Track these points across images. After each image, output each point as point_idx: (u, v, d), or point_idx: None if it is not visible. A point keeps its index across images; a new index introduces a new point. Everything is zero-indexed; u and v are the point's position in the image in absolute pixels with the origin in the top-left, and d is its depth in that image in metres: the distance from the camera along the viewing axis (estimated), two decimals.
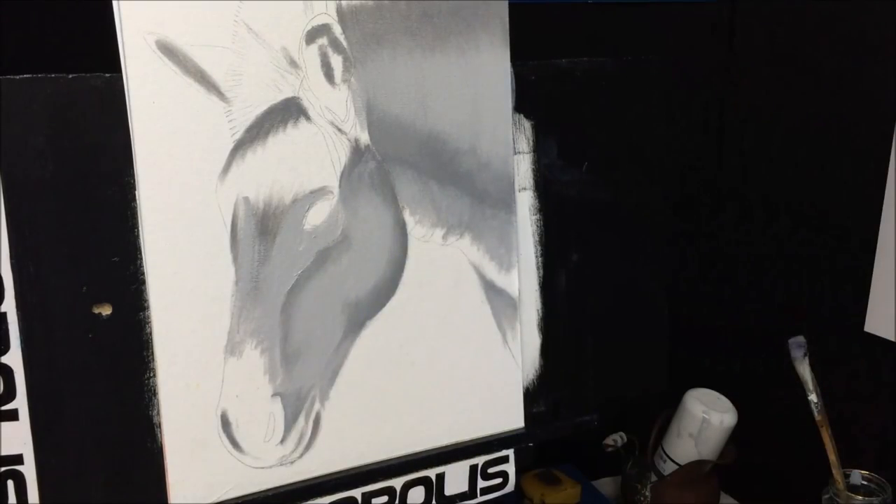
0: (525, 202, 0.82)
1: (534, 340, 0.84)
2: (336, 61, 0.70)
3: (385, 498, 0.77)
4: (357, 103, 0.71)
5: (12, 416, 0.63)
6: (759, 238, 1.07)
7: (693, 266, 1.13)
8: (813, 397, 0.84)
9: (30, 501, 0.64)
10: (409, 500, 0.78)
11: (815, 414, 0.85)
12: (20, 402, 0.63)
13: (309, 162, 0.70)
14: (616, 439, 1.02)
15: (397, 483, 0.77)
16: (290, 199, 0.70)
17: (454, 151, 0.77)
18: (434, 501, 0.80)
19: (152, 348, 0.66)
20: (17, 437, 0.63)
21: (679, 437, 0.97)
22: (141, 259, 0.65)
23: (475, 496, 0.82)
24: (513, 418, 0.83)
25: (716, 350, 1.13)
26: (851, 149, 0.93)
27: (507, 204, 0.80)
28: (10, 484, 0.64)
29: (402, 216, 0.75)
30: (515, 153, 0.80)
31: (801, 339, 0.84)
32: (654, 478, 0.99)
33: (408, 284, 0.76)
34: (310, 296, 0.71)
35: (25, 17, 0.67)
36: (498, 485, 0.83)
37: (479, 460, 0.82)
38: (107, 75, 0.63)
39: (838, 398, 0.88)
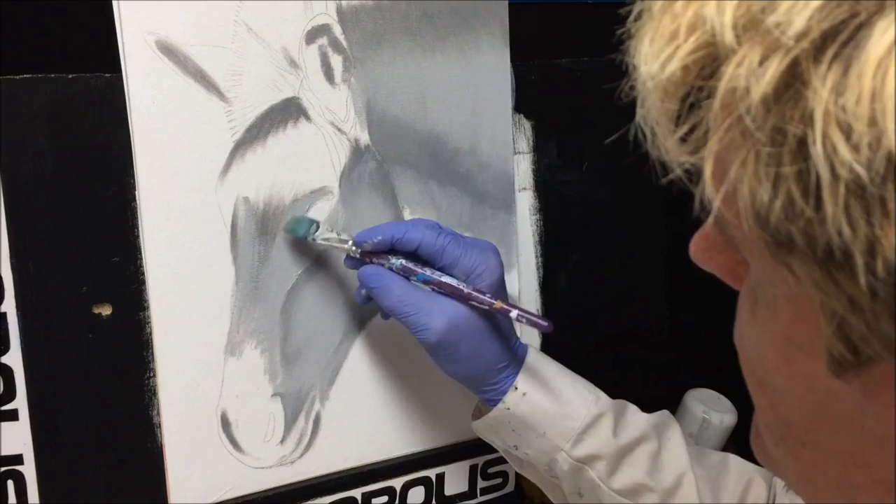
0: (525, 202, 0.82)
1: (534, 340, 0.84)
2: (336, 61, 0.70)
3: (385, 498, 0.77)
4: (357, 103, 0.71)
5: (12, 416, 0.63)
6: None
7: (693, 266, 1.13)
8: None
9: (30, 501, 0.64)
10: (409, 500, 0.78)
11: None
12: (20, 402, 0.63)
13: (309, 162, 0.70)
14: None
15: (397, 483, 0.77)
16: (290, 199, 0.70)
17: (454, 151, 0.76)
18: (434, 501, 0.80)
19: (152, 348, 0.66)
20: (17, 437, 0.63)
21: None
22: (141, 259, 0.65)
23: (475, 496, 0.82)
24: None
25: (716, 350, 1.13)
26: None
27: (507, 204, 0.80)
28: (10, 484, 0.64)
29: (402, 216, 0.75)
30: (515, 153, 0.81)
31: None
32: None
33: None
34: (310, 296, 0.71)
35: (25, 17, 0.67)
36: (498, 485, 0.83)
37: (479, 460, 0.81)
38: (107, 75, 0.63)
39: None
